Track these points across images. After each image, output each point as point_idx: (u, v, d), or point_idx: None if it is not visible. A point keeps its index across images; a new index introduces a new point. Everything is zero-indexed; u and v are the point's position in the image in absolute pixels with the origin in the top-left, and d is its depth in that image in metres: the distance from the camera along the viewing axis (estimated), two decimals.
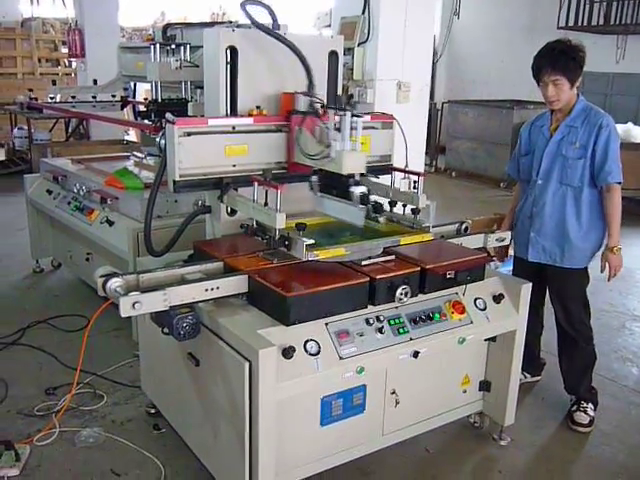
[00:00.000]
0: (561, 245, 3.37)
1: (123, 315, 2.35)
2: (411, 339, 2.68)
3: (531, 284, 3.05)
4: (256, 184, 2.65)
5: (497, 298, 2.98)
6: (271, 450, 2.39)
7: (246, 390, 2.30)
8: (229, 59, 2.88)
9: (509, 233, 3.48)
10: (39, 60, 13.03)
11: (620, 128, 8.48)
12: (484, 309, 2.94)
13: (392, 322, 2.66)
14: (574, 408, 3.49)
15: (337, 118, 2.63)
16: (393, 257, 2.77)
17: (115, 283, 2.42)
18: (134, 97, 5.93)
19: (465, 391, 3.18)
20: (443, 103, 11.70)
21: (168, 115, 2.72)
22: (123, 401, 3.54)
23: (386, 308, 2.67)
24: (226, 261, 2.72)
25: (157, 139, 3.00)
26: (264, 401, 2.29)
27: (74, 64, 11.71)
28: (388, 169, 3.23)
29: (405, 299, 2.67)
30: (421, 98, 5.00)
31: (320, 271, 2.67)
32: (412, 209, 2.97)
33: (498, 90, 12.27)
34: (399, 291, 2.64)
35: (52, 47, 13.39)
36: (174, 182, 2.71)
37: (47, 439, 3.15)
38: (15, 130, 10.01)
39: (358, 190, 2.67)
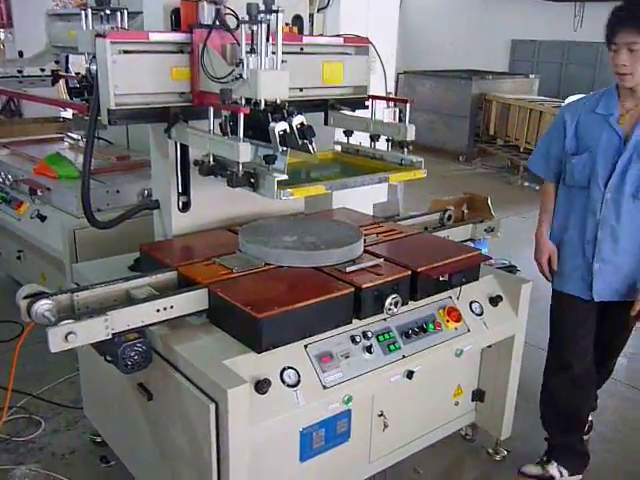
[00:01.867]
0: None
1: (53, 351, 1.87)
2: (404, 356, 2.28)
3: (530, 282, 2.69)
4: (211, 109, 2.17)
5: (494, 300, 2.62)
6: None
7: (212, 436, 1.87)
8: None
9: (498, 221, 3.10)
10: None
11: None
12: (481, 314, 2.57)
13: (381, 338, 2.26)
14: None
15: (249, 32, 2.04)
16: (380, 260, 2.36)
17: (43, 306, 1.93)
18: (67, 71, 5.30)
19: (457, 403, 2.82)
20: (399, 74, 11.28)
21: (98, 27, 2.19)
22: (64, 427, 3.06)
23: (374, 321, 2.27)
24: (180, 270, 2.27)
25: (87, 64, 2.47)
26: (235, 448, 1.86)
27: (1, 35, 10.80)
28: (366, 98, 2.78)
29: (395, 309, 2.27)
30: (387, 69, 4.59)
31: (294, 281, 2.25)
32: (400, 143, 2.57)
33: (452, 61, 11.93)
34: (388, 301, 2.24)
35: None
36: (109, 112, 2.21)
37: None
38: None
39: (278, 127, 2.07)
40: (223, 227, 2.73)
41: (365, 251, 2.51)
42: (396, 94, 11.23)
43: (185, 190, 2.63)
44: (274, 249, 2.33)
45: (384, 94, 2.84)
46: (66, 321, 1.87)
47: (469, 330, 2.50)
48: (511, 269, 4.99)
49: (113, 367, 2.12)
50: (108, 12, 3.69)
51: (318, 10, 4.36)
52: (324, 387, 2.06)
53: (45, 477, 2.71)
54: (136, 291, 2.12)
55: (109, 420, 2.66)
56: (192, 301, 2.10)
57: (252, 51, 2.06)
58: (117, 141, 4.52)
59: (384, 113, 2.80)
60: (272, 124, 2.06)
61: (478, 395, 2.88)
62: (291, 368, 2.02)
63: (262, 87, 2.01)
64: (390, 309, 2.26)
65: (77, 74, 4.56)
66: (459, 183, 7.81)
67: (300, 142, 2.10)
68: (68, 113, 7.71)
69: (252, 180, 2.12)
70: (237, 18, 2.18)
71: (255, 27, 2.02)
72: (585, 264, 2.61)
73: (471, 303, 2.56)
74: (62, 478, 2.70)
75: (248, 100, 2.09)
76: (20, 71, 4.86)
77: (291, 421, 2.03)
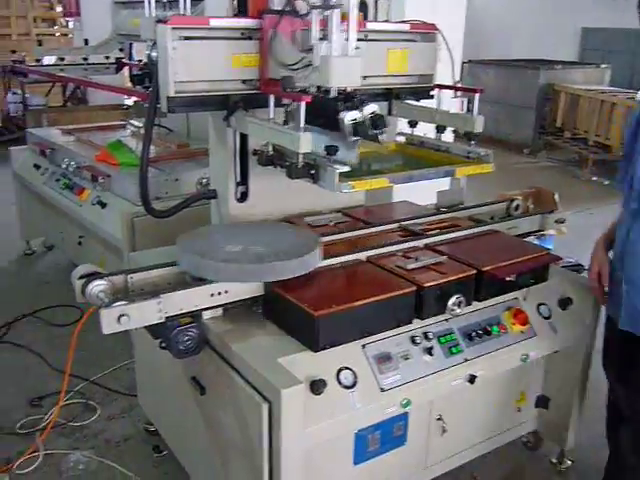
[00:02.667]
0: None
1: (105, 332, 1.86)
2: (466, 360, 2.17)
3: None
4: (272, 97, 2.09)
5: (564, 303, 2.47)
6: None
7: (265, 435, 1.80)
8: None
9: (568, 213, 2.93)
10: (34, 20, 12.34)
11: None
12: (549, 317, 2.43)
13: (442, 340, 2.16)
14: None
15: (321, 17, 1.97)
16: (444, 258, 2.25)
17: (98, 287, 1.93)
18: (130, 59, 5.34)
19: (519, 409, 2.69)
20: (463, 63, 10.99)
21: (161, 13, 2.16)
22: (119, 414, 3.08)
23: (435, 322, 2.17)
24: None
25: (147, 51, 2.40)
26: (288, 449, 1.80)
27: (71, 24, 11.04)
28: (432, 87, 2.66)
29: (458, 310, 2.16)
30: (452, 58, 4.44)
31: (353, 278, 2.17)
32: (466, 134, 2.43)
33: (519, 50, 11.53)
34: (451, 301, 2.14)
35: (48, 6, 12.68)
36: (168, 99, 2.16)
37: (29, 465, 2.69)
38: (8, 95, 9.41)
39: (348, 116, 1.98)
40: (280, 219, 2.66)
41: (427, 247, 2.40)
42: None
43: (243, 180, 2.57)
44: (211, 262, 1.99)
45: (451, 83, 2.70)
46: (119, 302, 1.84)
47: (536, 334, 2.37)
48: (577, 268, 4.77)
49: (167, 357, 2.09)
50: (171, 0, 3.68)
51: None
52: (382, 390, 1.98)
53: (98, 464, 2.72)
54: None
55: (162, 410, 2.64)
56: (247, 287, 2.04)
57: (324, 37, 1.98)
58: (177, 129, 4.52)
59: (450, 103, 2.68)
60: (343, 113, 1.97)
61: (542, 402, 2.72)
62: (348, 369, 1.94)
63: (333, 74, 1.93)
64: (453, 309, 2.15)
65: (139, 61, 4.60)
66: (523, 176, 7.55)
67: (371, 132, 1.99)
68: (131, 100, 7.84)
69: (312, 171, 2.04)
70: (308, 3, 2.09)
71: (328, 12, 1.95)
72: (618, 284, 2.23)
73: (539, 305, 2.42)
74: (115, 466, 2.70)
75: (318, 88, 2.02)
76: (85, 59, 4.93)
77: (346, 424, 1.95)
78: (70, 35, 11.86)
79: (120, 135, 4.41)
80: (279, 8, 2.20)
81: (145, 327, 2.01)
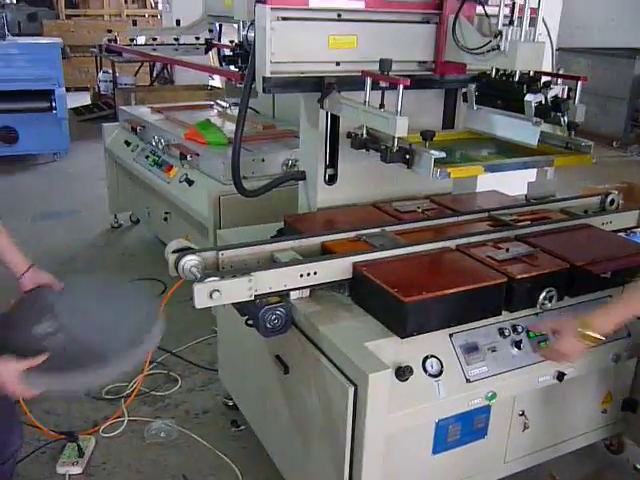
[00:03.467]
0: None
1: (198, 306, 1.91)
2: None
3: None
4: (369, 79, 2.11)
5: None
6: None
7: (349, 417, 1.81)
8: None
9: None
10: (125, 1, 12.72)
11: None
12: None
13: (532, 334, 2.10)
14: None
15: (508, 9, 2.13)
16: (536, 250, 2.19)
17: (190, 262, 1.98)
18: (219, 40, 5.42)
19: (605, 411, 2.59)
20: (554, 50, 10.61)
21: None
22: (199, 387, 3.16)
23: (524, 315, 2.11)
24: (324, 243, 2.22)
25: (244, 32, 2.56)
26: (371, 433, 1.80)
27: (160, 5, 11.30)
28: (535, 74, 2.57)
29: (549, 304, 2.10)
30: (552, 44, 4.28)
31: (443, 265, 2.15)
32: (568, 124, 2.37)
33: (613, 38, 11.02)
34: (543, 294, 2.08)
35: None
36: (264, 79, 2.22)
37: (114, 430, 2.81)
38: (100, 74, 9.75)
39: (535, 99, 2.11)
40: (369, 203, 2.66)
41: (518, 239, 2.34)
42: None
43: (333, 162, 2.58)
44: None
45: (550, 70, 2.62)
46: (212, 278, 1.88)
47: (629, 334, 2.27)
48: None
49: (251, 334, 2.13)
50: None
51: None
52: (467, 380, 1.95)
53: (178, 433, 2.81)
54: (280, 254, 2.10)
55: (243, 386, 2.70)
56: (336, 269, 2.05)
57: (510, 23, 2.11)
58: (263, 110, 4.56)
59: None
60: (529, 95, 2.10)
61: (630, 405, 2.62)
62: (434, 357, 1.92)
63: (521, 58, 2.06)
64: (544, 303, 2.09)
65: (231, 42, 4.65)
66: (612, 171, 7.23)
67: (553, 115, 2.17)
68: (216, 81, 7.98)
69: (407, 156, 2.02)
70: None
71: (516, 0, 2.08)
72: None
73: None
74: (194, 436, 2.78)
75: (497, 71, 2.24)
76: (177, 39, 5.03)
77: (429, 412, 1.94)
78: (159, 16, 12.18)
79: (208, 115, 4.49)
80: None
81: (233, 305, 2.05)
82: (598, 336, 1.84)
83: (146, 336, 1.84)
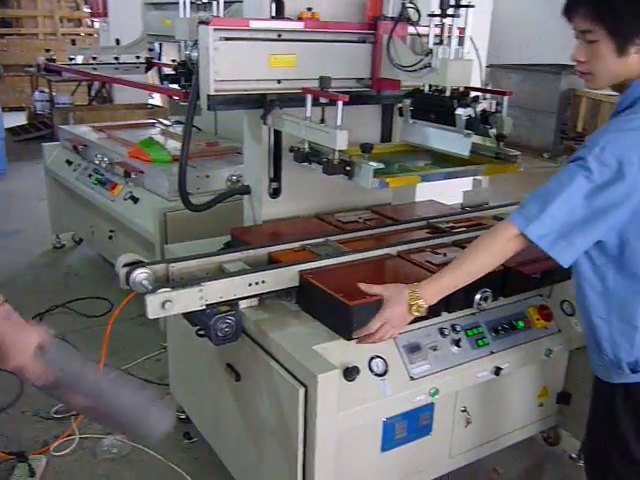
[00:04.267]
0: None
1: (151, 317, 1.97)
2: (492, 352, 2.25)
3: None
4: (309, 96, 2.21)
5: None
6: None
7: (300, 418, 1.89)
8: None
9: None
10: (60, 20, 12.56)
11: None
12: (572, 314, 2.49)
13: (470, 333, 2.23)
14: None
15: (438, 29, 2.27)
16: None
17: (141, 275, 2.03)
18: (160, 59, 5.46)
19: (541, 404, 2.75)
20: (485, 67, 11.03)
21: (201, 14, 2.32)
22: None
23: (462, 315, 2.24)
24: (271, 254, 2.31)
25: (187, 52, 2.68)
26: (322, 432, 1.88)
27: (96, 24, 11.21)
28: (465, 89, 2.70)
29: (485, 304, 2.23)
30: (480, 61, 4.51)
31: (383, 270, 2.26)
32: (496, 136, 2.54)
33: (541, 55, 11.54)
34: (478, 295, 2.20)
35: (74, 6, 12.89)
36: (208, 97, 2.29)
37: (65, 448, 2.80)
38: (36, 93, 9.59)
39: (464, 112, 2.25)
40: (312, 215, 2.75)
41: (455, 244, 2.48)
42: None
43: (276, 176, 2.67)
44: None
45: (479, 86, 2.78)
46: (163, 289, 1.94)
47: (560, 330, 2.43)
48: None
49: (202, 345, 2.19)
50: (205, 1, 3.80)
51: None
52: (411, 378, 2.06)
53: (130, 448, 2.81)
54: (229, 265, 2.17)
55: (194, 397, 2.74)
56: (283, 277, 2.13)
57: (440, 42, 2.25)
58: (206, 127, 4.63)
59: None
60: (459, 109, 2.23)
61: (564, 398, 2.79)
62: (379, 357, 2.02)
63: (450, 75, 2.19)
64: (480, 304, 2.22)
65: (173, 61, 4.71)
66: (543, 180, 7.56)
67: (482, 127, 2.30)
68: (156, 100, 7.98)
69: (347, 168, 2.13)
70: (418, 12, 2.45)
71: (446, 20, 2.23)
72: None
73: (562, 302, 2.48)
74: (146, 450, 2.80)
75: (430, 87, 2.37)
76: (117, 58, 5.05)
77: (377, 410, 2.03)
78: (95, 35, 12.07)
79: (150, 133, 4.53)
80: (393, 15, 2.47)
81: (184, 315, 2.11)
82: (426, 306, 1.80)
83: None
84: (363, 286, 1.89)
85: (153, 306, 1.92)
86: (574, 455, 2.87)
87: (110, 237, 4.25)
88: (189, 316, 2.10)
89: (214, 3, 3.81)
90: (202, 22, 2.30)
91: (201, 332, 2.14)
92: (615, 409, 1.84)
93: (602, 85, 1.74)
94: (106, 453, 2.78)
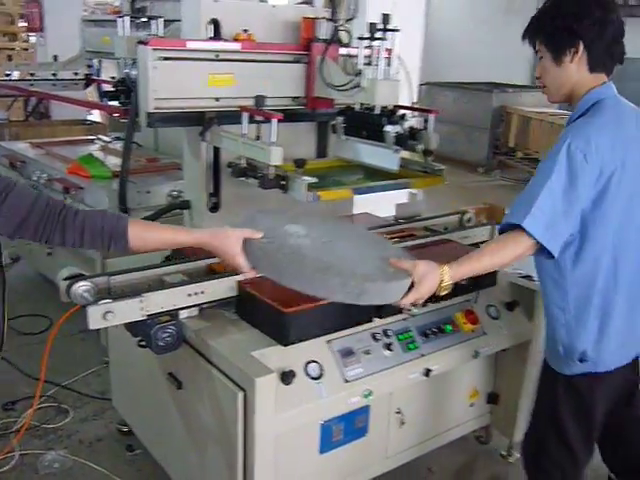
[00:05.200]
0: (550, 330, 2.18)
1: (92, 327, 2.02)
2: (422, 355, 2.38)
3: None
4: (245, 114, 2.33)
5: (511, 305, 2.70)
6: None
7: (240, 422, 1.97)
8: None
9: None
10: None
11: None
12: (497, 318, 2.65)
13: (401, 337, 2.36)
14: None
15: (367, 51, 2.41)
16: None
17: (82, 287, 2.07)
18: (99, 76, 5.47)
19: (472, 404, 2.90)
20: (420, 85, 11.38)
21: (141, 34, 2.40)
22: (91, 417, 3.19)
23: (393, 321, 2.37)
24: (211, 265, 2.38)
25: (126, 70, 2.75)
26: (261, 434, 1.96)
27: (33, 39, 11.04)
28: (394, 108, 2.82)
29: (415, 310, 2.35)
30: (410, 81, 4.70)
31: None
32: (424, 151, 2.66)
33: (474, 73, 11.98)
34: None
35: (9, 20, 12.64)
36: (148, 115, 2.37)
37: (6, 464, 2.79)
38: None
39: (393, 129, 2.39)
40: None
41: None
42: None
43: (216, 191, 2.75)
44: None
45: (409, 104, 2.95)
46: (105, 300, 1.99)
47: (485, 333, 2.59)
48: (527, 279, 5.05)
49: (143, 356, 2.25)
50: (144, 20, 3.87)
51: (345, 21, 4.50)
52: (346, 381, 2.16)
53: (73, 462, 2.83)
54: (169, 277, 2.24)
55: (137, 409, 2.77)
56: (222, 288, 2.22)
57: (369, 63, 2.38)
58: (146, 144, 4.66)
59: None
60: (388, 126, 2.37)
61: (493, 398, 2.95)
62: (315, 362, 2.12)
63: (379, 94, 2.33)
64: (410, 309, 2.34)
65: (112, 78, 4.74)
66: (478, 194, 7.89)
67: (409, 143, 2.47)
68: (95, 117, 7.93)
69: (283, 182, 2.24)
70: (349, 34, 2.64)
71: (374, 43, 2.37)
72: None
73: (488, 307, 2.64)
74: (89, 464, 2.82)
75: (361, 105, 2.51)
76: (54, 74, 5.03)
77: (314, 412, 2.13)
78: (31, 50, 11.86)
79: (90, 149, 4.53)
80: (325, 37, 2.61)
81: (125, 327, 2.17)
82: (451, 287, 1.99)
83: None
84: (393, 260, 2.02)
85: (94, 317, 1.97)
86: (504, 452, 3.03)
87: (49, 254, 4.23)
88: (131, 327, 2.16)
89: (153, 22, 3.90)
90: (141, 42, 2.38)
91: (142, 343, 2.20)
92: (557, 397, 2.07)
93: (555, 97, 2.04)
94: (47, 468, 2.78)
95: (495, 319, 2.64)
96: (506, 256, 1.95)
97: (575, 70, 1.93)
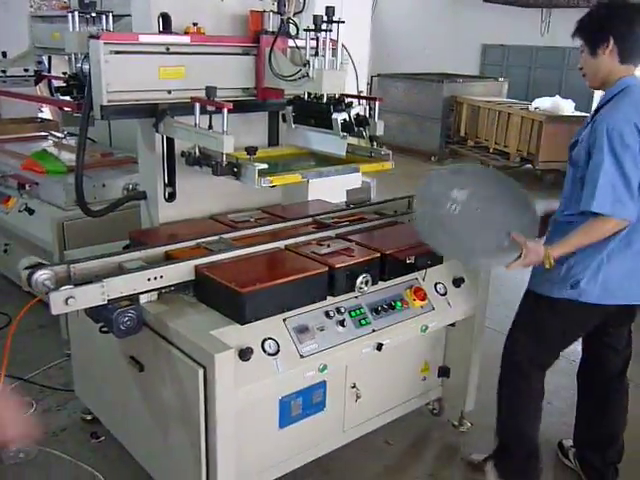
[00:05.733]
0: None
1: (54, 312, 2.10)
2: (374, 331, 2.50)
3: None
4: (197, 105, 2.40)
5: (457, 282, 2.85)
6: (230, 460, 2.17)
7: (201, 398, 2.06)
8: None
9: None
10: None
11: (549, 101, 8.55)
12: (445, 294, 2.80)
13: (353, 314, 2.48)
14: None
15: (313, 42, 2.51)
16: (352, 244, 2.59)
17: (43, 275, 2.14)
18: (49, 72, 5.44)
19: (424, 378, 3.05)
20: (372, 77, 11.55)
21: (92, 29, 2.46)
22: (54, 408, 3.23)
23: (346, 299, 2.48)
24: (168, 252, 2.46)
25: (79, 64, 2.82)
26: (221, 410, 2.06)
27: None
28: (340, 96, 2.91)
29: (366, 288, 2.49)
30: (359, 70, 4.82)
31: (273, 262, 2.47)
32: (370, 137, 2.78)
33: (425, 64, 12.22)
34: (360, 280, 2.46)
35: None
36: (101, 108, 2.43)
37: None
38: None
39: (340, 116, 2.50)
40: (207, 217, 2.93)
41: (338, 236, 2.72)
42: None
43: (171, 181, 2.82)
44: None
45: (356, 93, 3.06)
46: (66, 286, 2.06)
47: (434, 308, 2.73)
48: None
49: (105, 342, 2.32)
50: (94, 15, 3.89)
51: (294, 14, 4.59)
52: (301, 356, 2.27)
53: (37, 451, 2.87)
54: (128, 264, 2.31)
55: (101, 396, 2.83)
56: (180, 272, 2.30)
57: (316, 54, 2.47)
58: (100, 140, 4.68)
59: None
60: (335, 114, 2.47)
61: (444, 371, 3.11)
62: (271, 339, 2.22)
63: (325, 83, 2.43)
64: (361, 287, 2.47)
65: (64, 73, 4.74)
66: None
67: (356, 129, 2.55)
68: (46, 114, 7.83)
69: (235, 169, 2.33)
70: (297, 26, 2.72)
71: (320, 34, 2.45)
72: None
73: (436, 284, 2.78)
74: (55, 452, 2.87)
75: (309, 94, 2.60)
76: (4, 71, 5.00)
77: (272, 387, 2.23)
78: None
79: (43, 145, 4.53)
80: (274, 30, 2.70)
81: (87, 313, 2.23)
82: (553, 258, 2.37)
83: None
84: (514, 235, 2.41)
85: (57, 303, 2.04)
86: (456, 423, 3.19)
87: (5, 250, 4.23)
88: (92, 313, 2.22)
89: (103, 17, 3.93)
90: (92, 36, 2.43)
91: (104, 329, 2.27)
92: (537, 317, 2.61)
93: (593, 83, 2.47)
94: (12, 459, 2.80)
95: (443, 295, 2.79)
96: (594, 237, 2.35)
97: (608, 61, 2.37)
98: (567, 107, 8.49)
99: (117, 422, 2.76)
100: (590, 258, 2.42)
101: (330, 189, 3.46)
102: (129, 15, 4.24)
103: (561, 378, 3.74)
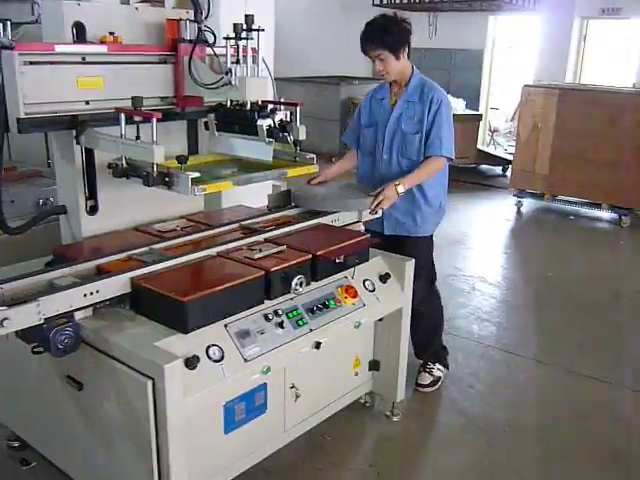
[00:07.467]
0: (413, 216, 3.33)
1: None
2: (311, 330, 2.57)
3: (414, 260, 3.07)
4: (123, 115, 2.38)
5: (383, 277, 2.96)
6: (183, 470, 2.16)
7: (150, 410, 2.04)
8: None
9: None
10: None
11: None
12: (373, 290, 2.90)
13: (290, 315, 2.53)
14: (420, 370, 3.63)
15: (233, 50, 2.55)
16: (283, 247, 2.63)
17: None
18: None
19: (357, 373, 3.15)
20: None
21: (4, 39, 2.37)
22: None
23: (282, 301, 2.53)
24: (99, 266, 2.41)
25: None
26: (173, 420, 2.05)
27: None
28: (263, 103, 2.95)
29: (301, 289, 2.55)
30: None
31: (208, 269, 2.48)
32: (294, 141, 2.87)
33: (320, 67, 12.42)
34: (295, 281, 2.52)
35: None
36: (18, 121, 2.35)
37: None
38: None
39: (265, 123, 2.56)
40: (130, 227, 2.88)
41: (268, 241, 2.76)
42: None
43: (92, 194, 2.76)
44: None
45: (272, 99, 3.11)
46: (0, 308, 1.98)
47: (364, 305, 2.83)
48: None
49: (36, 364, 2.24)
50: None
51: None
52: (245, 360, 2.30)
53: None
54: (59, 281, 2.24)
55: (30, 419, 2.72)
56: (116, 286, 2.26)
57: (237, 62, 2.49)
58: None
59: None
60: (260, 121, 2.52)
61: (374, 365, 3.22)
62: (215, 345, 2.24)
63: (249, 91, 2.47)
64: (296, 289, 2.53)
65: None
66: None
67: (281, 135, 2.64)
68: None
69: (167, 179, 2.32)
70: (214, 35, 2.72)
71: (240, 42, 2.49)
72: None
73: (364, 281, 2.89)
74: None
75: (231, 102, 2.64)
76: None
77: (219, 393, 2.25)
78: None
79: None
80: (191, 38, 2.69)
81: (17, 335, 2.15)
82: (402, 190, 3.13)
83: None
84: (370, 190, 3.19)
85: None
86: (388, 413, 3.31)
87: None
88: (25, 334, 2.14)
89: (0, 25, 3.76)
90: (4, 47, 2.34)
91: (38, 349, 2.19)
92: (430, 251, 3.52)
93: (393, 78, 3.27)
94: None
95: (372, 292, 2.89)
96: (432, 172, 3.27)
97: (406, 61, 3.26)
98: (459, 106, 8.91)
99: (53, 445, 2.66)
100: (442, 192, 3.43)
101: (242, 194, 3.46)
102: (27, 23, 4.11)
103: (479, 362, 3.97)
